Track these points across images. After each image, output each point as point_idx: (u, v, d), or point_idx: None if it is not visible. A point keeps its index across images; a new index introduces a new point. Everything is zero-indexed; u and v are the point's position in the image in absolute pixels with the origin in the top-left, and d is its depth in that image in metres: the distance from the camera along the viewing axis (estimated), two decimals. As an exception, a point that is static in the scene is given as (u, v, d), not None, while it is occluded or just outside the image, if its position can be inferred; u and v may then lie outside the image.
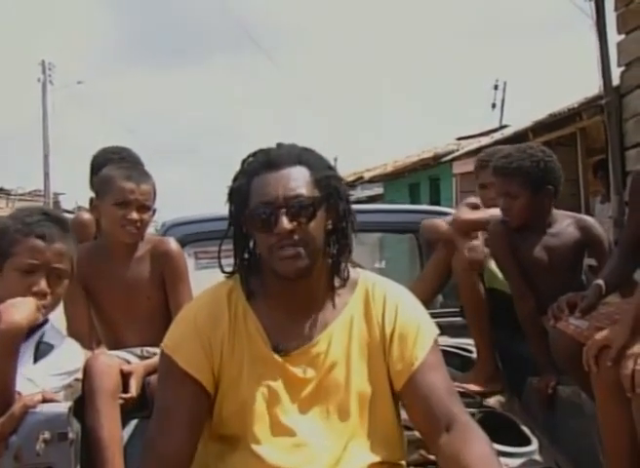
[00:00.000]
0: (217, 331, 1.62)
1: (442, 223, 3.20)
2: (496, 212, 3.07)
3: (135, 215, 2.42)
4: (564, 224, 2.84)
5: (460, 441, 1.53)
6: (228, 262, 1.74)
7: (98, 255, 2.50)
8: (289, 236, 1.55)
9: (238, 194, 1.62)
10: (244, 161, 1.65)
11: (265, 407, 1.60)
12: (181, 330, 1.65)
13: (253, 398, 1.60)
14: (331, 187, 1.62)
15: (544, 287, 2.76)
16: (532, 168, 2.74)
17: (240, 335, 1.63)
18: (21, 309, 1.87)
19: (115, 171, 2.48)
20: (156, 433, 1.59)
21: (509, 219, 2.83)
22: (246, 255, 1.67)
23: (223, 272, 1.71)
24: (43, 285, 1.95)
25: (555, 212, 2.86)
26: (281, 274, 1.58)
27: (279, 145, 1.65)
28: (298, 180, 1.58)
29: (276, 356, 1.61)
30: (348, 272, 1.68)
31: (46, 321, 2.06)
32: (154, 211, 2.54)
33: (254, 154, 1.64)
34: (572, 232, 2.83)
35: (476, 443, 1.53)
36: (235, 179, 1.64)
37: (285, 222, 1.54)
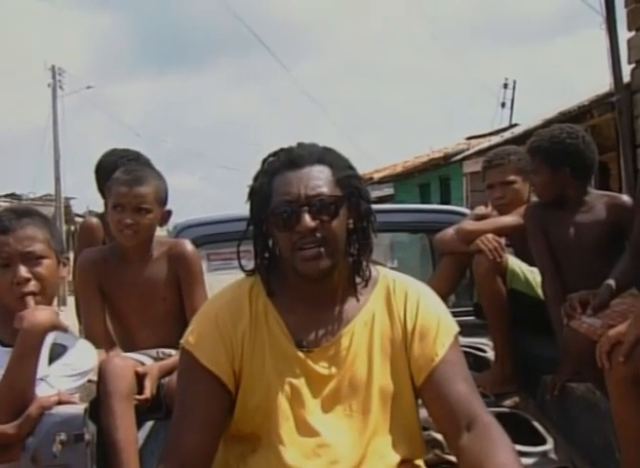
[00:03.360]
0: (237, 327, 1.62)
1: (454, 238, 3.17)
2: (500, 221, 3.08)
3: (128, 220, 2.40)
4: (597, 203, 2.81)
5: (482, 445, 1.50)
6: (243, 264, 1.73)
7: (113, 258, 2.51)
8: (311, 234, 1.55)
9: (259, 193, 1.62)
10: (265, 160, 1.65)
11: (288, 404, 1.59)
12: (202, 326, 1.65)
13: (275, 395, 1.59)
14: (352, 187, 1.62)
15: (575, 264, 2.73)
16: (549, 147, 2.78)
17: (261, 332, 1.63)
18: (42, 313, 1.91)
19: (117, 174, 2.49)
20: (177, 430, 1.59)
21: (537, 195, 2.92)
22: (266, 255, 1.67)
23: (244, 271, 1.70)
24: (21, 272, 1.97)
25: (592, 191, 2.85)
26: (302, 274, 1.58)
27: (300, 144, 1.65)
28: (319, 179, 1.59)
29: (299, 352, 1.61)
30: (370, 271, 1.68)
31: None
32: (169, 212, 2.54)
33: (274, 154, 1.65)
34: (602, 210, 2.79)
35: (499, 449, 1.50)
36: (256, 179, 1.64)
37: (307, 220, 1.54)
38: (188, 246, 2.54)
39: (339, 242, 1.59)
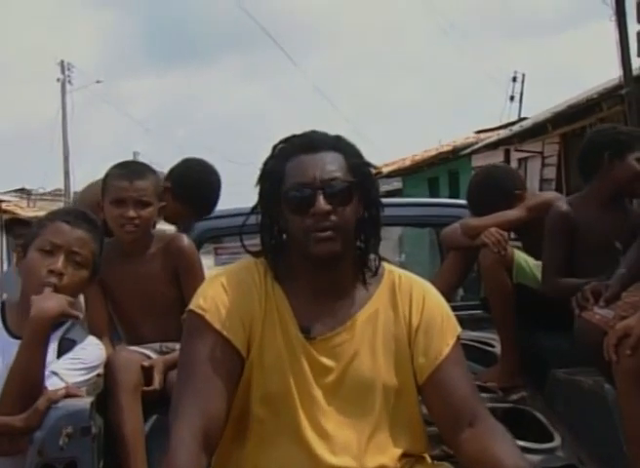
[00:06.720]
0: (246, 298, 1.60)
1: (459, 233, 3.15)
2: (504, 215, 3.04)
3: (131, 213, 2.38)
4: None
5: (486, 437, 1.56)
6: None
7: (112, 253, 2.49)
8: (325, 218, 1.55)
9: (271, 176, 1.62)
10: (275, 146, 1.65)
11: (295, 390, 1.57)
12: (213, 292, 1.61)
13: (282, 378, 1.57)
14: (363, 174, 1.63)
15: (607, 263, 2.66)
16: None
17: (272, 309, 1.61)
18: (52, 300, 1.93)
19: (112, 170, 2.47)
20: (191, 395, 1.53)
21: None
22: (273, 241, 1.65)
23: (249, 252, 1.68)
24: (59, 264, 2.00)
25: None
26: (315, 255, 1.56)
27: (313, 131, 1.66)
28: (334, 165, 1.60)
29: (302, 338, 1.60)
30: (379, 262, 1.67)
31: (69, 317, 2.09)
32: (163, 207, 2.54)
33: (286, 140, 1.65)
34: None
35: (504, 441, 1.57)
36: (267, 163, 1.64)
37: (322, 203, 1.55)
38: (185, 240, 2.54)
39: (350, 229, 1.59)
